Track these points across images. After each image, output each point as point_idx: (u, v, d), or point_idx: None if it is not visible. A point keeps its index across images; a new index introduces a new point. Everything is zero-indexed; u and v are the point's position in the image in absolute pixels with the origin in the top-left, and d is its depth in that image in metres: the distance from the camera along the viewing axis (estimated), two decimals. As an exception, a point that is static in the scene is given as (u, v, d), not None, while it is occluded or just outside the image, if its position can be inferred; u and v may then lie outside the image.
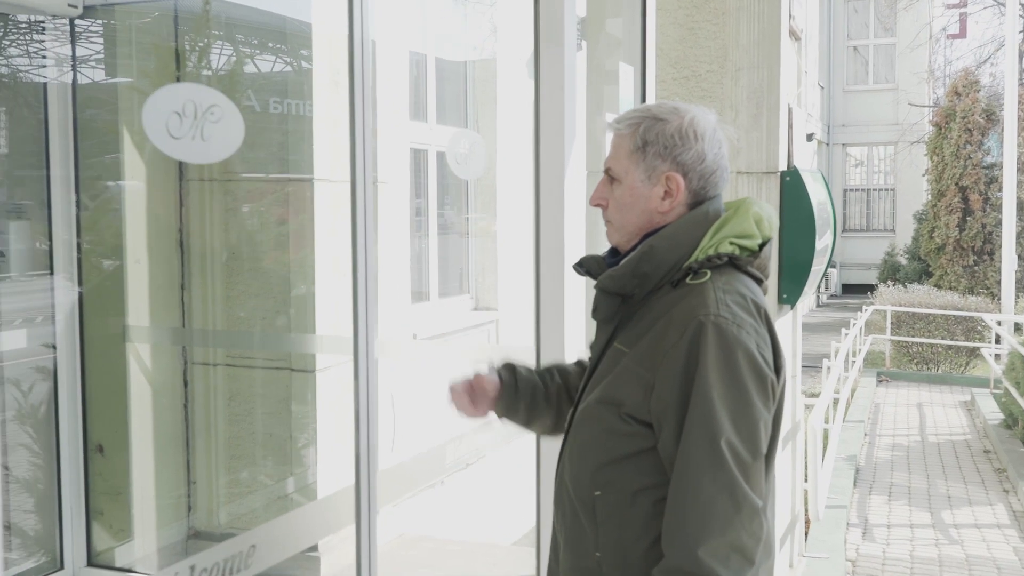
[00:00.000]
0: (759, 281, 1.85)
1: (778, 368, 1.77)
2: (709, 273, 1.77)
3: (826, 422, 6.94)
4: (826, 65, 25.41)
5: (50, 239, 4.18)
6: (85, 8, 4.13)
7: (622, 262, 1.84)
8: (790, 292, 3.64)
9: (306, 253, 4.45)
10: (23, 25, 4.14)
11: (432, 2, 6.54)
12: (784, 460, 4.11)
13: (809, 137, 20.20)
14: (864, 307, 14.67)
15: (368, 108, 2.07)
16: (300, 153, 4.54)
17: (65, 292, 4.25)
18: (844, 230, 26.03)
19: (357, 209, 2.08)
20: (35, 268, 4.23)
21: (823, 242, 3.88)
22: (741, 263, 1.80)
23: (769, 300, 3.93)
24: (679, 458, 1.67)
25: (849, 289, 24.67)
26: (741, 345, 1.68)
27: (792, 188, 3.58)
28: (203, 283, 4.56)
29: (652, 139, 1.83)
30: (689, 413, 1.66)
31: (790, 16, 3.73)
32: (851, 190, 26.58)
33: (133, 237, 4.31)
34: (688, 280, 1.78)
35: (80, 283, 4.24)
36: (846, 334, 11.42)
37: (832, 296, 24.33)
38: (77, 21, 4.17)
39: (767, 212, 1.89)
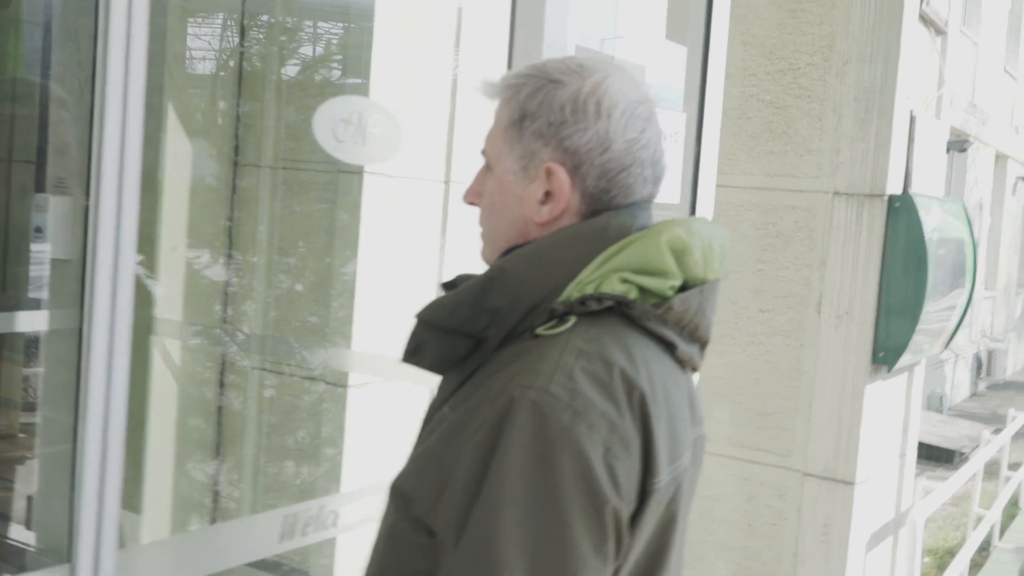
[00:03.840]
0: (671, 347, 1.17)
1: (647, 491, 1.08)
2: (572, 321, 1.11)
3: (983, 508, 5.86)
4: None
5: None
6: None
7: (460, 287, 1.21)
8: (889, 351, 2.83)
9: (348, 256, 4.00)
10: None
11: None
12: (881, 561, 3.27)
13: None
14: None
15: (135, 76, 1.51)
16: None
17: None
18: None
19: (101, 217, 1.54)
20: (70, 249, 3.96)
21: (948, 293, 3.04)
22: (635, 313, 1.12)
23: (860, 357, 3.14)
24: None
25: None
26: (571, 444, 1.01)
27: (900, 217, 2.78)
28: (246, 280, 4.18)
29: (534, 110, 1.18)
30: (464, 540, 1.02)
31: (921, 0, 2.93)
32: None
33: (170, 223, 3.98)
34: (541, 329, 1.13)
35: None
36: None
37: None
38: None
39: (700, 239, 1.17)
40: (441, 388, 1.27)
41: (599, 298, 1.11)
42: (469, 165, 4.22)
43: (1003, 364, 14.93)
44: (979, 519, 5.75)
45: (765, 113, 3.05)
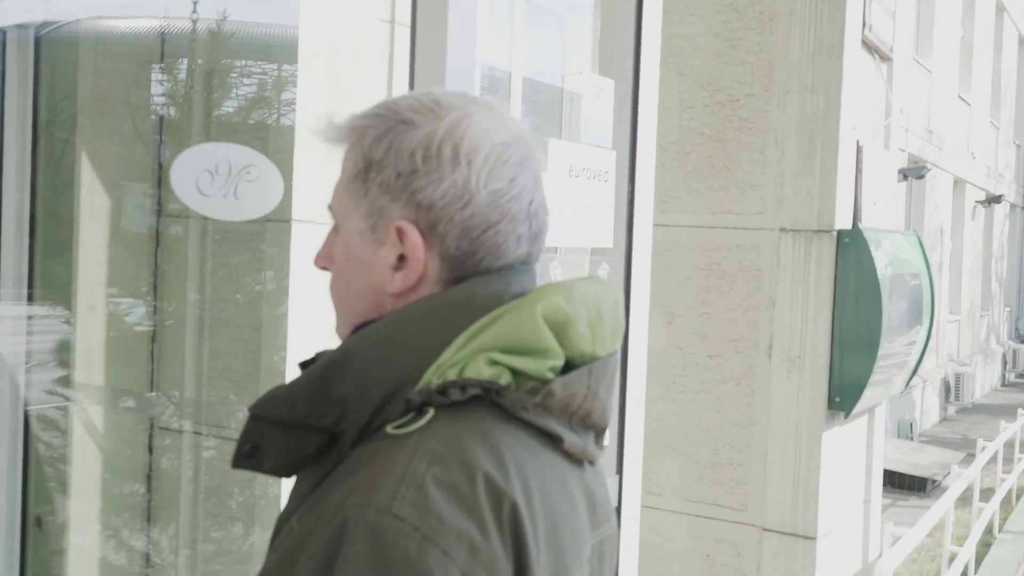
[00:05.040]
0: (557, 440, 0.97)
1: None
2: (430, 414, 0.91)
3: (957, 544, 5.69)
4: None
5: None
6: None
7: (302, 374, 1.00)
8: (844, 395, 2.66)
9: (280, 309, 3.78)
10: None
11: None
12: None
13: (997, 199, 18.30)
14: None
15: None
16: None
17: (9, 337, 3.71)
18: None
19: None
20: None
21: (908, 329, 2.87)
22: (507, 402, 0.92)
23: (815, 403, 2.96)
24: None
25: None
26: None
27: (850, 253, 2.62)
28: (174, 337, 3.95)
29: (380, 157, 0.97)
30: None
31: (864, 25, 2.79)
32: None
33: (87, 278, 3.75)
34: (391, 427, 0.92)
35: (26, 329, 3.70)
36: None
37: (1021, 375, 21.95)
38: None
39: (586, 307, 0.96)
40: (293, 493, 1.05)
41: (462, 385, 0.90)
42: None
43: (971, 387, 14.89)
44: (952, 556, 5.58)
45: (705, 147, 2.90)
